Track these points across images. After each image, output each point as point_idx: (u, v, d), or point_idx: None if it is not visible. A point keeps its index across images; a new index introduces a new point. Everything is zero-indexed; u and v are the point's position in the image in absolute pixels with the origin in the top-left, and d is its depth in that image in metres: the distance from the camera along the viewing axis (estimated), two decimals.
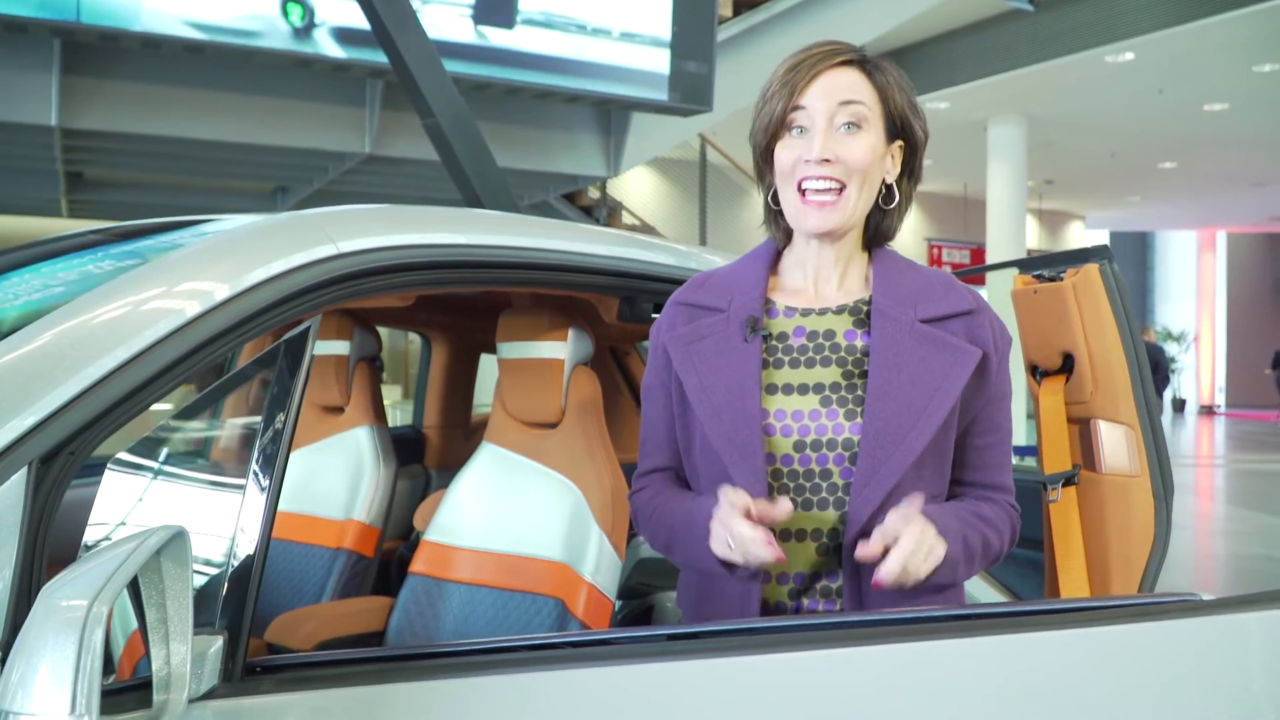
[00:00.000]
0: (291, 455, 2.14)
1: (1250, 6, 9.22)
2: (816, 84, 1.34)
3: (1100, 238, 23.34)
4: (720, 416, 1.32)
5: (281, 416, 1.02)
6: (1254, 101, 12.39)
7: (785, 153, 1.36)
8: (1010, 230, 13.43)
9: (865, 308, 1.40)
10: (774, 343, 1.39)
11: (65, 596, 0.76)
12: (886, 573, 1.19)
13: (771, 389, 1.36)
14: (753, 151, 1.42)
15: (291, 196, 7.91)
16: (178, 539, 0.87)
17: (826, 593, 1.34)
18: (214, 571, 0.99)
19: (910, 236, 18.28)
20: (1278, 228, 23.11)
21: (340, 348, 2.67)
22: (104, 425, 1.14)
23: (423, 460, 3.30)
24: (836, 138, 1.33)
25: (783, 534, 1.34)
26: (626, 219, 9.01)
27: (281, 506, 2.17)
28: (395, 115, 6.29)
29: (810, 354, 1.38)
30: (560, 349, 2.08)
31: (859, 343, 1.38)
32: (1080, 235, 21.64)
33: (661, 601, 2.41)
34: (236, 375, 1.08)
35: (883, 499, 1.29)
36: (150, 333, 1.18)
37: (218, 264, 1.28)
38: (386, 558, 2.76)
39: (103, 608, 0.73)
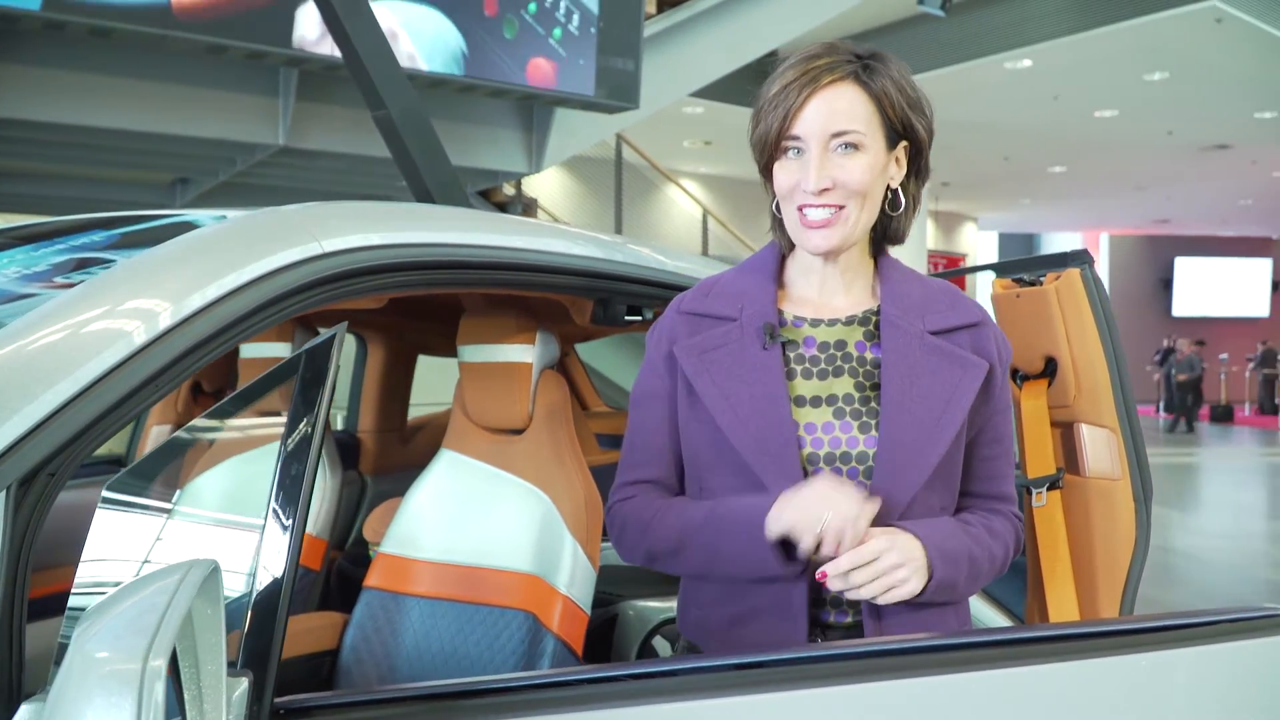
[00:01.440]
0: (231, 464, 2.02)
1: (1144, 16, 9.58)
2: (809, 109, 1.28)
3: (990, 239, 24.04)
4: (747, 426, 1.28)
5: (304, 432, 0.93)
6: (1142, 108, 12.89)
7: (783, 175, 1.32)
8: (913, 231, 13.70)
9: (874, 318, 1.38)
10: (786, 352, 1.36)
11: (102, 647, 0.66)
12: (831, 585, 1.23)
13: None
14: (755, 161, 1.38)
15: (193, 189, 7.56)
16: (210, 576, 0.78)
17: (837, 603, 1.32)
18: (234, 607, 0.90)
19: None
20: (1158, 230, 24.16)
21: (281, 350, 2.53)
22: (87, 441, 1.04)
23: (357, 466, 3.17)
24: (833, 160, 1.29)
25: None
26: (543, 216, 8.90)
27: None
28: (311, 106, 6.06)
29: (823, 365, 1.35)
30: (528, 353, 2.01)
31: (869, 354, 1.36)
32: (973, 236, 22.26)
33: (624, 611, 2.35)
34: (250, 390, 0.98)
35: (899, 513, 1.28)
36: (133, 339, 1.09)
37: (204, 263, 1.18)
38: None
39: (159, 661, 0.64)
